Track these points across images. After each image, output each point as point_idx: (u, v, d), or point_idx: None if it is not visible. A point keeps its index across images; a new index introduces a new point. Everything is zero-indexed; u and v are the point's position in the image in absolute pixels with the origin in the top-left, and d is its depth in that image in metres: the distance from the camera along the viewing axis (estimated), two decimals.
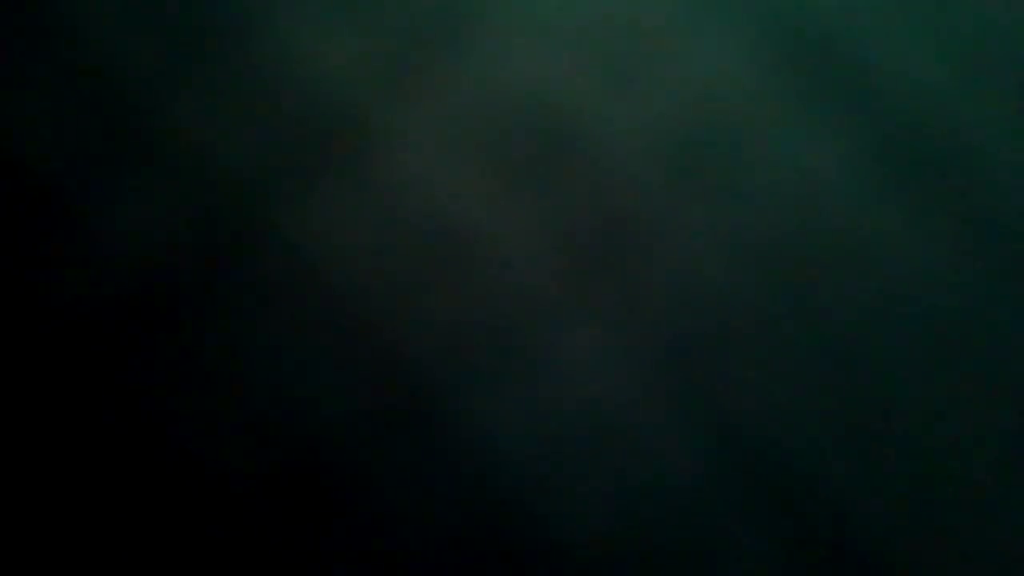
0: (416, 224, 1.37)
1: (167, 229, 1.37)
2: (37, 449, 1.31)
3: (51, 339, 1.34)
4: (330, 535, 1.28)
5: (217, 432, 1.31)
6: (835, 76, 1.40)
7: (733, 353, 1.32)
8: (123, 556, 1.28)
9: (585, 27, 1.43)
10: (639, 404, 1.31)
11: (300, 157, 1.39)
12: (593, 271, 1.35)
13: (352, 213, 1.37)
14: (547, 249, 1.36)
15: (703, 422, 1.31)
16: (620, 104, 1.40)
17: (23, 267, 1.36)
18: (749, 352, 1.32)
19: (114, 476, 1.30)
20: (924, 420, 1.30)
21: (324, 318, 1.34)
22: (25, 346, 1.34)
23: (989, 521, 1.28)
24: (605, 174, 1.38)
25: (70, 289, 1.35)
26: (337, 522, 1.29)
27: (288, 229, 1.37)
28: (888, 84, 1.40)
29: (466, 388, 1.32)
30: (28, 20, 1.44)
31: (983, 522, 1.28)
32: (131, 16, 1.44)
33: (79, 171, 1.39)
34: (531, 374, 1.32)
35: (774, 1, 1.43)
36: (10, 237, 1.37)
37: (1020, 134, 1.38)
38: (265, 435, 1.31)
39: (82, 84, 1.41)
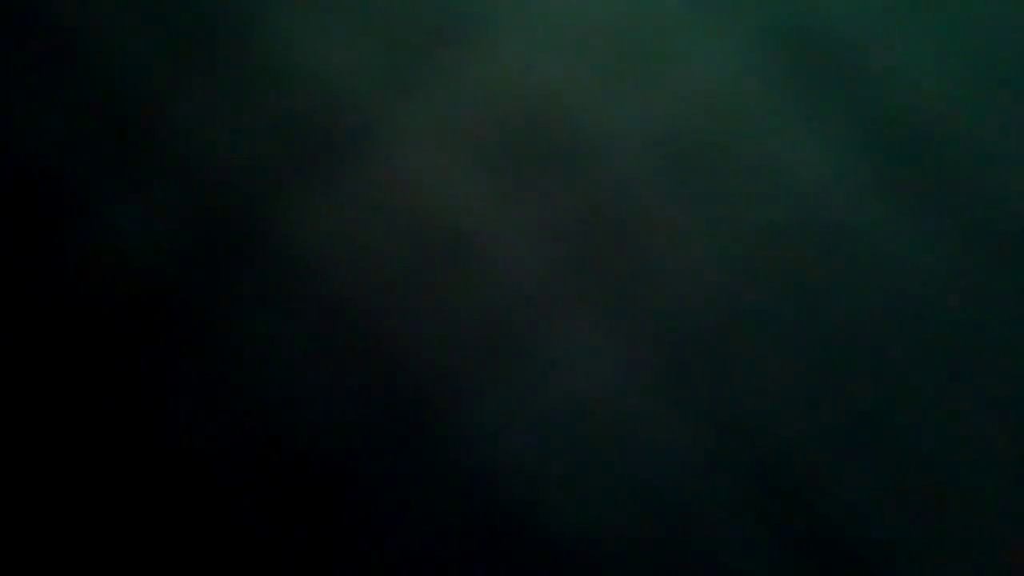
0: (416, 224, 1.37)
1: (167, 229, 1.37)
2: (37, 447, 1.31)
3: (50, 338, 1.34)
4: (329, 534, 1.28)
5: (216, 431, 1.31)
6: (835, 76, 1.40)
7: (732, 352, 1.32)
8: (122, 555, 1.28)
9: (585, 27, 1.42)
10: (638, 403, 1.31)
11: (300, 157, 1.39)
12: (593, 271, 1.35)
13: (352, 213, 1.37)
14: (548, 249, 1.36)
15: (703, 421, 1.31)
16: (620, 104, 1.40)
17: (23, 266, 1.36)
18: (748, 351, 1.32)
19: (113, 475, 1.30)
20: (923, 418, 1.30)
21: (324, 318, 1.34)
22: (25, 345, 1.34)
23: (989, 520, 1.28)
24: (605, 174, 1.38)
25: (70, 288, 1.35)
26: (336, 521, 1.29)
27: (288, 229, 1.37)
28: (888, 84, 1.40)
29: (466, 387, 1.32)
30: (28, 20, 1.44)
31: (983, 521, 1.28)
32: (131, 16, 1.44)
33: (79, 171, 1.39)
34: (530, 373, 1.32)
35: (774, 1, 1.43)
36: (10, 236, 1.37)
37: (1019, 134, 1.38)
38: (264, 434, 1.31)
39: (82, 84, 1.41)
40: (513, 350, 1.33)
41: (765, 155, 1.38)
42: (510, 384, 1.32)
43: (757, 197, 1.37)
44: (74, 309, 1.35)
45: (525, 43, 1.42)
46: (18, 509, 1.29)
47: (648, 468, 1.30)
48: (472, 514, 1.29)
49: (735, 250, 1.35)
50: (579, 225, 1.36)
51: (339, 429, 1.31)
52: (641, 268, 1.35)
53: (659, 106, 1.40)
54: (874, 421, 1.31)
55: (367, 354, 1.33)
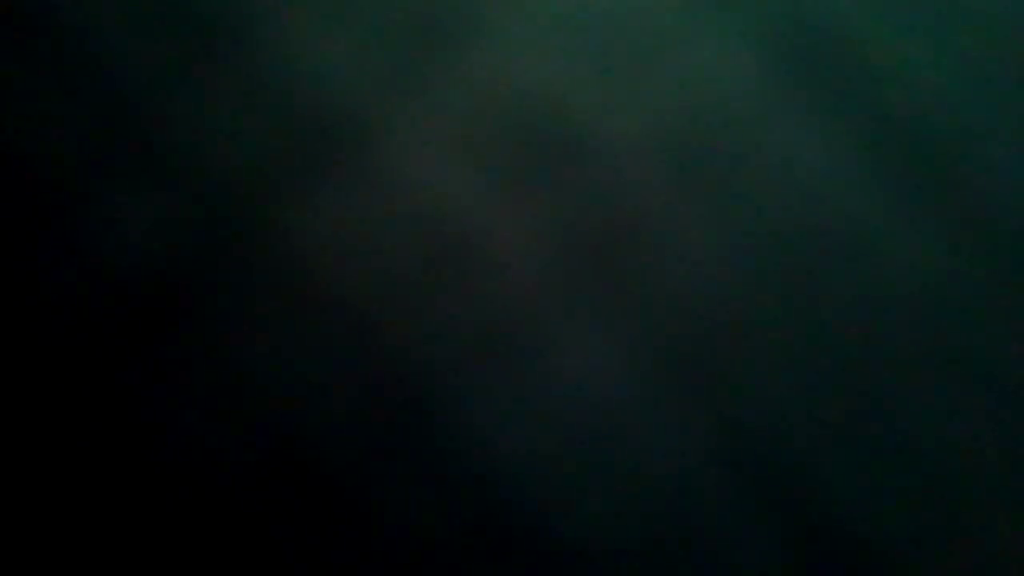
0: (416, 224, 1.37)
1: (167, 229, 1.37)
2: (36, 448, 1.31)
3: (50, 338, 1.34)
4: (329, 536, 1.28)
5: (216, 432, 1.31)
6: (835, 76, 1.40)
7: (733, 353, 1.33)
8: (121, 555, 1.28)
9: (585, 27, 1.43)
10: (639, 404, 1.31)
11: (300, 157, 1.39)
12: (593, 271, 1.35)
13: (352, 213, 1.37)
14: (547, 249, 1.36)
15: (703, 422, 1.31)
16: (620, 104, 1.40)
17: (23, 266, 1.36)
18: (749, 352, 1.33)
19: (113, 476, 1.30)
20: (923, 419, 1.31)
21: (323, 318, 1.34)
22: (24, 346, 1.34)
23: (989, 520, 1.28)
24: (605, 174, 1.38)
25: (69, 288, 1.35)
26: (336, 522, 1.29)
27: (288, 229, 1.37)
28: (889, 84, 1.40)
29: (466, 388, 1.32)
30: (28, 20, 1.44)
31: (983, 521, 1.28)
32: (131, 16, 1.44)
33: (78, 171, 1.39)
34: (531, 374, 1.32)
35: (774, 1, 1.43)
36: (9, 236, 1.37)
37: (1020, 133, 1.38)
38: (264, 435, 1.31)
39: (82, 84, 1.41)
40: (514, 349, 1.33)
41: (767, 155, 1.38)
42: (510, 383, 1.32)
43: (758, 197, 1.37)
44: (74, 309, 1.35)
45: (525, 43, 1.42)
46: (18, 509, 1.29)
47: (649, 468, 1.30)
48: (472, 514, 1.29)
49: (736, 250, 1.36)
50: (581, 225, 1.37)
51: (338, 428, 1.31)
52: (642, 268, 1.35)
53: (661, 106, 1.40)
54: (877, 422, 1.31)
55: (367, 353, 1.33)
